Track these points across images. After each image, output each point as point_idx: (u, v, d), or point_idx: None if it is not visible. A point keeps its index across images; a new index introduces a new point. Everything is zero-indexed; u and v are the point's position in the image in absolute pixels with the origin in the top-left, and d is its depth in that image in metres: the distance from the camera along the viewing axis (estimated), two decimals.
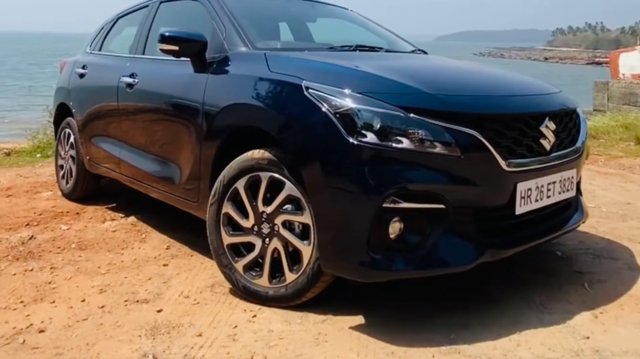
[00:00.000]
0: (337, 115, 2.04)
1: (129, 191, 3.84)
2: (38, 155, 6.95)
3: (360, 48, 2.99)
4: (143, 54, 3.57)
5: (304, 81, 2.19)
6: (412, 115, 2.00)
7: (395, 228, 1.99)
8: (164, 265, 2.89)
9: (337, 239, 2.05)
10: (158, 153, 3.15)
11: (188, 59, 2.82)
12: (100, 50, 4.33)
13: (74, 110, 4.26)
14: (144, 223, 3.67)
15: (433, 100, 2.09)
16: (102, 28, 4.52)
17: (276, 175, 2.28)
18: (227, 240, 2.44)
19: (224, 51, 2.76)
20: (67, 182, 4.40)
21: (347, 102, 2.05)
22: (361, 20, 3.99)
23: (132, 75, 3.38)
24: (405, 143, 1.97)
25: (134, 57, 3.59)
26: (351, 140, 1.99)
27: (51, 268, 2.89)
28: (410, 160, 1.98)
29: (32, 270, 2.86)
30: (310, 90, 2.15)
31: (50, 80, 20.13)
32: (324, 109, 2.08)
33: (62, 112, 4.54)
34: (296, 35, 3.73)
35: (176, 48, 2.77)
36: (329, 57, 2.59)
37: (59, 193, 4.49)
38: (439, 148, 1.98)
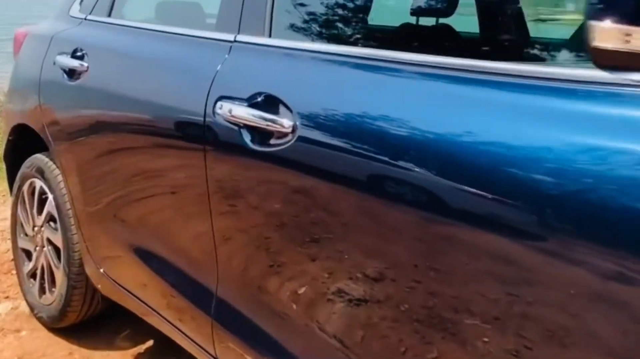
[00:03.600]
0: None
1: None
2: None
3: None
4: (270, 35, 1.22)
5: None
6: None
7: None
8: None
9: None
10: None
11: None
12: (109, 15, 1.88)
13: (54, 144, 1.84)
14: None
15: None
16: None
17: None
18: None
19: None
20: (42, 292, 2.01)
21: None
22: None
23: (271, 105, 1.05)
24: None
25: (251, 45, 1.22)
26: None
27: None
28: None
29: None
30: None
31: None
32: None
33: (22, 140, 2.10)
34: None
35: None
36: None
37: (22, 303, 2.11)
38: None
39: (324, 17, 1.25)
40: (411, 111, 0.90)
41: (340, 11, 1.27)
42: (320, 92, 1.04)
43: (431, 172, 0.82)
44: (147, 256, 1.52)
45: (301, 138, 1.00)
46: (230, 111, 1.11)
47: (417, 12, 1.77)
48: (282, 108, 1.06)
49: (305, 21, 1.24)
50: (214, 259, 1.25)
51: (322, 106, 1.01)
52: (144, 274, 1.55)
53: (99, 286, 1.79)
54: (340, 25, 1.25)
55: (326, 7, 1.26)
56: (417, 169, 0.83)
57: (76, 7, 1.98)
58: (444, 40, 1.72)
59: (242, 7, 1.25)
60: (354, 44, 1.05)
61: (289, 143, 1.02)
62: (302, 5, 1.25)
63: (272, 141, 1.06)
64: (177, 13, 1.85)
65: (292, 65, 1.13)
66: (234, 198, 1.17)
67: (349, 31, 1.26)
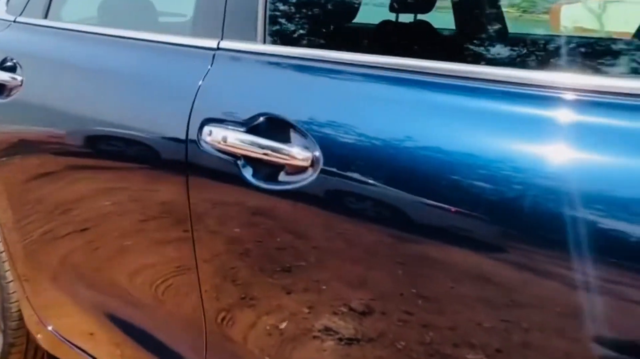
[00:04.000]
0: None
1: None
2: None
3: None
4: (264, 41, 0.97)
5: None
6: None
7: None
8: None
9: None
10: None
11: None
12: (46, 17, 1.56)
13: None
14: None
15: None
16: None
17: None
18: None
19: None
20: None
21: None
22: None
23: (277, 130, 0.82)
24: None
25: (241, 53, 0.96)
26: None
27: None
28: None
29: None
30: None
31: None
32: None
33: None
34: None
35: None
36: None
37: None
38: None
39: (332, 17, 1.02)
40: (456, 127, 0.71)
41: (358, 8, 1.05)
42: (344, 113, 0.82)
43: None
44: (104, 308, 1.25)
45: (326, 172, 0.78)
46: (224, 139, 0.87)
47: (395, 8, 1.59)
48: (293, 134, 0.83)
49: (307, 22, 1.01)
50: (202, 319, 1.00)
51: (350, 131, 0.79)
52: (97, 326, 1.28)
53: (38, 337, 1.49)
54: (357, 27, 1.03)
55: (335, 2, 1.03)
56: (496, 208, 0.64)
57: (1, 7, 1.65)
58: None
59: (226, 5, 1.01)
60: (377, 50, 0.83)
61: (309, 179, 0.79)
62: (302, 2, 1.02)
63: (283, 176, 0.83)
64: (130, 14, 1.57)
65: (299, 79, 0.91)
66: (227, 245, 0.93)
67: (369, 35, 1.04)
